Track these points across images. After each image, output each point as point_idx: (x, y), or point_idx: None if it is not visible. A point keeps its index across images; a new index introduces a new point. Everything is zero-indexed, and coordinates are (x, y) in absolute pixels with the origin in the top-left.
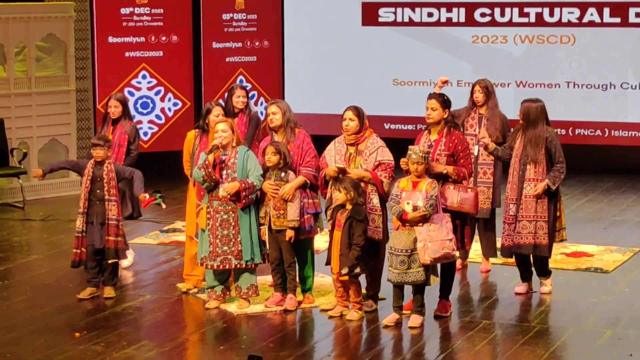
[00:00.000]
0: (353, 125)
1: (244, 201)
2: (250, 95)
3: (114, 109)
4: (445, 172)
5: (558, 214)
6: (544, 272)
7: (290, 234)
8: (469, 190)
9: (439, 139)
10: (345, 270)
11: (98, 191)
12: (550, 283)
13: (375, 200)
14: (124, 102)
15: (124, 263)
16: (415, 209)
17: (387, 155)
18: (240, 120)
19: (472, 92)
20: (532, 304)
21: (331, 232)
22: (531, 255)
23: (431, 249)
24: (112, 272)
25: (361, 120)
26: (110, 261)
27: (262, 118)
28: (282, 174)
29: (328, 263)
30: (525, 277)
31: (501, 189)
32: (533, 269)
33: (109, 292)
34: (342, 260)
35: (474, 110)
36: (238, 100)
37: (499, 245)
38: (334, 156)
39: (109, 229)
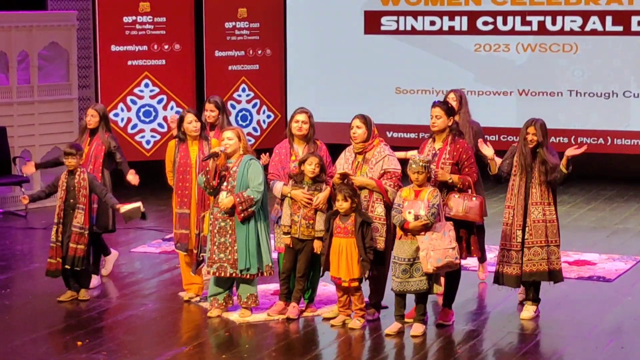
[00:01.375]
0: (360, 133)
1: (242, 214)
2: (252, 103)
3: (90, 118)
4: (450, 181)
5: None
6: (535, 298)
7: (318, 244)
8: (474, 198)
9: (444, 147)
10: (367, 275)
11: (71, 200)
12: (535, 310)
13: (379, 209)
14: (102, 113)
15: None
16: (416, 218)
17: (393, 164)
18: (216, 135)
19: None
20: None
21: (329, 239)
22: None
23: (434, 258)
24: (83, 275)
25: (369, 127)
26: (66, 267)
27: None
28: (316, 185)
29: (323, 273)
30: None
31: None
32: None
33: (82, 294)
34: (364, 266)
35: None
36: (206, 114)
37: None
38: (342, 164)
39: (72, 236)
